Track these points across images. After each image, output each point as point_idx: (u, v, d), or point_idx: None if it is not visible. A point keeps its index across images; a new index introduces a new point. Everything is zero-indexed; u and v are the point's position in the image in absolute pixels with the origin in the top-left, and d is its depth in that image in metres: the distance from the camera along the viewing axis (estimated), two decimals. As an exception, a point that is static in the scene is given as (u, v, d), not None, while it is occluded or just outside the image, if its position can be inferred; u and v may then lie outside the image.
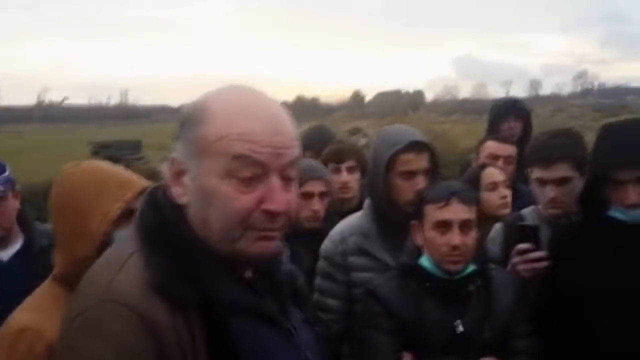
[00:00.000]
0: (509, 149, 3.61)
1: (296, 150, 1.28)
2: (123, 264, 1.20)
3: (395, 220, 2.51)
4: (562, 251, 2.36)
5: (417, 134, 2.56)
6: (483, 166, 3.16)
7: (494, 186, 3.01)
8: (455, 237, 2.16)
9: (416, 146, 2.49)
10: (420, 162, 2.48)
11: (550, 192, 2.54)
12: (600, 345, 2.15)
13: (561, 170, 2.51)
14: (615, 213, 2.19)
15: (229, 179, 1.20)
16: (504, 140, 3.72)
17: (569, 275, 2.27)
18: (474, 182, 2.95)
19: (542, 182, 2.57)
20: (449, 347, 2.12)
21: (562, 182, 2.53)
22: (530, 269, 2.39)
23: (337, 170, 3.36)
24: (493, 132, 4.23)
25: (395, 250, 2.49)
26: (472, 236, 2.20)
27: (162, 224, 1.26)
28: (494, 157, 3.51)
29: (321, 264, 2.63)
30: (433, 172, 2.52)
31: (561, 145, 2.52)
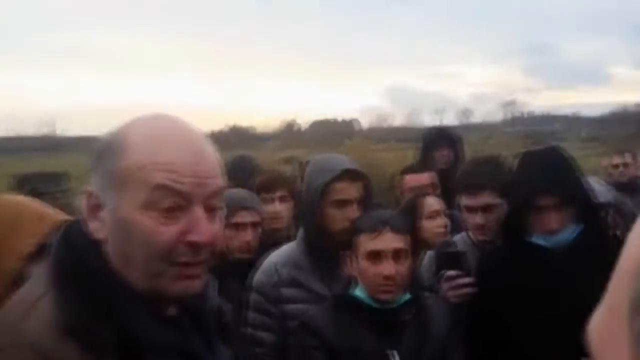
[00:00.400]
0: (428, 177, 3.65)
1: (220, 180, 1.23)
2: (33, 304, 1.13)
3: (328, 251, 2.47)
4: (486, 278, 2.40)
5: (350, 163, 2.56)
6: (422, 195, 3.16)
7: (433, 214, 3.02)
8: (388, 267, 2.14)
9: (349, 175, 2.47)
10: (353, 190, 2.46)
11: (477, 218, 2.58)
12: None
13: (486, 197, 2.55)
14: (537, 239, 2.25)
15: (150, 210, 1.15)
16: (419, 170, 3.77)
17: (494, 302, 2.30)
18: (411, 211, 2.95)
19: (469, 209, 2.62)
20: (385, 378, 2.09)
21: (487, 209, 2.57)
22: (458, 295, 2.42)
23: (269, 201, 3.32)
24: (425, 160, 4.31)
25: (329, 280, 2.46)
26: (405, 265, 2.18)
27: (77, 260, 1.18)
28: (417, 189, 3.46)
29: (254, 296, 2.55)
30: (366, 200, 2.51)
31: (486, 173, 2.57)
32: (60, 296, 1.13)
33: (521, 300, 2.22)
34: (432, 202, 3.07)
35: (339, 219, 2.45)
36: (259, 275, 2.57)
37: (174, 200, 1.15)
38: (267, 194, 3.34)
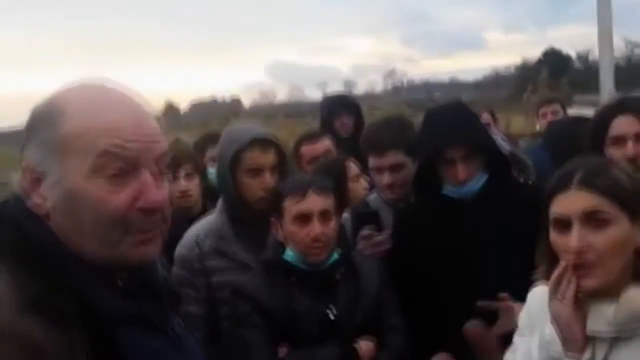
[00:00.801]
0: (324, 145, 3.62)
1: (164, 143, 1.21)
2: None
3: (249, 219, 2.48)
4: (402, 235, 2.48)
5: (261, 131, 2.54)
6: (345, 159, 3.19)
7: (355, 178, 3.07)
8: (315, 228, 2.17)
9: (260, 142, 2.46)
10: (266, 158, 2.45)
11: (385, 178, 2.63)
12: (448, 318, 2.26)
13: (393, 157, 2.60)
14: (447, 191, 2.33)
15: (96, 178, 1.11)
16: (314, 138, 3.70)
17: (410, 257, 2.39)
18: (333, 173, 2.97)
19: (377, 169, 2.66)
20: (323, 335, 2.14)
21: (395, 168, 2.61)
22: (374, 252, 2.49)
23: (174, 179, 3.22)
24: (325, 129, 4.27)
25: (253, 248, 2.46)
26: (332, 226, 2.22)
27: (21, 236, 1.12)
28: (315, 158, 3.48)
29: (177, 271, 2.50)
30: (282, 167, 2.51)
31: (392, 134, 2.62)
32: (14, 274, 1.07)
33: (433, 253, 2.31)
34: (352, 165, 3.13)
35: (254, 187, 2.45)
36: (180, 249, 2.53)
37: (120, 165, 1.12)
38: (171, 173, 3.22)
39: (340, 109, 4.50)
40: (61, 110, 1.12)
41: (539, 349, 1.60)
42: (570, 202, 1.53)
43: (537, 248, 1.66)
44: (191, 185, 3.28)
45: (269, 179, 2.43)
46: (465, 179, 2.26)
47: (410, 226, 2.46)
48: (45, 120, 1.13)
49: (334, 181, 2.41)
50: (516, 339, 1.78)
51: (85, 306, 1.08)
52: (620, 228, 1.50)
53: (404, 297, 2.36)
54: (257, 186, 2.44)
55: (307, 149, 3.66)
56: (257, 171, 2.45)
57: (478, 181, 2.29)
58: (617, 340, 1.50)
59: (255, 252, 2.44)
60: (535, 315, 1.70)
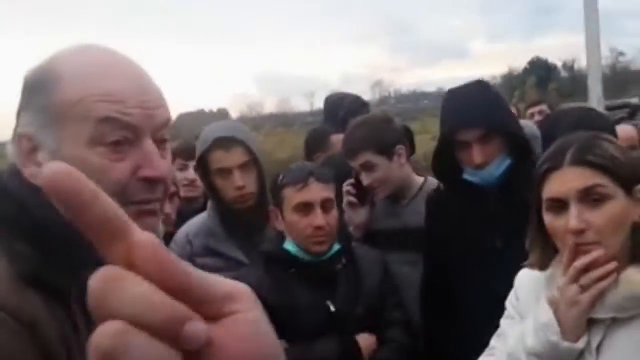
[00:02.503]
0: None
1: (167, 111, 1.14)
2: None
3: (237, 217, 2.42)
4: (432, 223, 2.39)
5: (226, 129, 2.44)
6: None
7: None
8: (317, 218, 2.11)
9: (223, 142, 2.37)
10: (232, 157, 2.36)
11: (364, 179, 2.55)
12: (465, 307, 2.21)
13: (363, 157, 2.51)
14: (467, 175, 2.20)
15: (96, 146, 1.04)
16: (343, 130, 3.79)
17: (436, 243, 2.31)
18: (343, 167, 2.93)
19: (355, 171, 2.60)
20: (323, 328, 2.08)
21: (367, 168, 2.52)
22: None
23: (184, 167, 3.21)
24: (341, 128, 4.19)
25: (244, 246, 2.41)
26: (334, 215, 2.16)
27: (19, 209, 1.06)
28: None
29: None
30: (252, 163, 2.40)
31: (359, 136, 2.53)
32: (10, 248, 1.02)
33: (458, 240, 2.22)
34: None
35: (226, 188, 2.39)
36: (172, 247, 2.47)
37: (121, 133, 1.05)
38: (183, 160, 3.21)
39: (361, 109, 4.38)
40: (57, 75, 1.05)
41: (534, 332, 1.52)
42: (565, 180, 1.45)
43: (528, 233, 1.60)
44: (198, 176, 3.24)
45: (238, 179, 2.35)
46: (482, 163, 2.12)
47: (438, 212, 2.36)
48: (40, 85, 1.06)
49: (341, 174, 2.34)
50: (503, 322, 1.71)
51: (85, 281, 1.01)
52: (617, 203, 1.43)
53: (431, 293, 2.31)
54: (229, 186, 2.37)
55: (337, 138, 3.57)
56: (225, 171, 2.37)
57: (499, 166, 2.15)
58: (613, 322, 1.44)
59: (247, 249, 2.39)
60: (526, 299, 1.64)
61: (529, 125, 3.32)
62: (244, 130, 2.51)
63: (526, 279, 1.67)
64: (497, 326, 1.85)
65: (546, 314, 1.49)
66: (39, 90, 1.06)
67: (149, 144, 1.08)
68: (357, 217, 2.59)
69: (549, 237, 1.52)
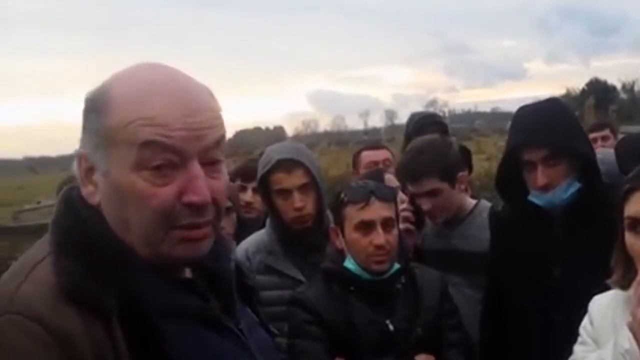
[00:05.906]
0: (384, 153, 3.82)
1: (220, 130, 1.13)
2: (31, 270, 1.05)
3: (295, 236, 2.47)
4: (497, 243, 2.36)
5: (288, 151, 2.49)
6: (381, 172, 3.19)
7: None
8: (378, 237, 2.12)
9: (285, 163, 2.43)
10: (292, 179, 2.42)
11: (424, 204, 2.56)
12: (520, 331, 2.18)
13: (428, 184, 2.52)
14: (532, 197, 2.12)
15: (141, 171, 1.06)
16: (375, 146, 3.95)
17: (500, 266, 2.29)
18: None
19: (416, 195, 2.60)
20: (381, 348, 2.08)
21: (431, 194, 2.53)
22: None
23: (243, 189, 3.29)
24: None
25: (301, 264, 2.45)
26: (394, 234, 2.17)
27: (76, 224, 1.10)
28: (374, 164, 3.66)
29: None
30: (314, 185, 2.45)
31: (425, 162, 2.52)
32: (59, 260, 1.06)
33: (520, 265, 2.18)
34: (391, 178, 3.10)
35: (286, 209, 2.45)
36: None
37: (164, 156, 1.06)
38: (243, 181, 3.29)
39: (430, 127, 4.40)
40: (109, 97, 1.08)
41: (614, 359, 1.51)
42: None
43: (613, 253, 1.59)
44: (256, 200, 3.28)
45: (298, 200, 2.41)
46: (546, 185, 2.04)
47: (503, 233, 2.33)
48: (95, 107, 1.10)
49: None
50: (577, 348, 1.68)
51: (128, 298, 1.04)
52: None
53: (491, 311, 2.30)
54: (288, 207, 2.43)
55: (367, 154, 3.81)
56: (285, 192, 2.43)
57: (567, 189, 2.05)
58: None
59: (304, 268, 2.43)
60: (602, 326, 1.61)
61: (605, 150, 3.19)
62: (305, 152, 2.56)
63: (600, 304, 1.65)
64: (551, 351, 1.83)
65: (627, 340, 1.47)
66: (93, 113, 1.10)
67: (194, 168, 1.08)
68: (411, 239, 2.61)
69: (630, 258, 1.51)
